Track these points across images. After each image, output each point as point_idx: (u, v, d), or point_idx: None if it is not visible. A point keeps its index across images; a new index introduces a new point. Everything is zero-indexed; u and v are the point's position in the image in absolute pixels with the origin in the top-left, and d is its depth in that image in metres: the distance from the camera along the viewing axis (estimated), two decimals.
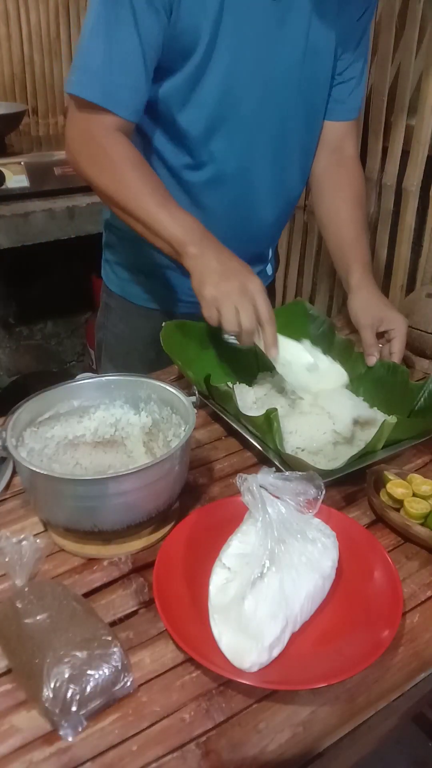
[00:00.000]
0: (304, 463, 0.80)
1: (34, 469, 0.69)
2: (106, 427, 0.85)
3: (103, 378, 0.85)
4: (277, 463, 0.83)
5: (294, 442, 0.88)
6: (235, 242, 0.93)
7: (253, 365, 1.08)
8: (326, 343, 1.08)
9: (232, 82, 0.95)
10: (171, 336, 1.01)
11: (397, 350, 0.99)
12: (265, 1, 0.91)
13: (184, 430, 0.77)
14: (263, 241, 1.18)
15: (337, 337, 1.08)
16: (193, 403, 0.79)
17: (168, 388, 0.82)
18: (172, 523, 0.77)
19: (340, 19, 0.99)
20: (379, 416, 0.94)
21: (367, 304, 1.03)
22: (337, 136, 1.12)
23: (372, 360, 0.99)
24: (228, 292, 0.85)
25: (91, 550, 0.74)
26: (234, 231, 1.03)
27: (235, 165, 1.03)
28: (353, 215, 1.11)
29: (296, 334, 1.09)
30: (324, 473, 0.77)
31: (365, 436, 0.90)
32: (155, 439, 0.83)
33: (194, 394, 0.80)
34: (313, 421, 0.91)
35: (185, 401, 0.79)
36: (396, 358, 0.99)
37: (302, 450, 0.87)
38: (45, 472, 0.69)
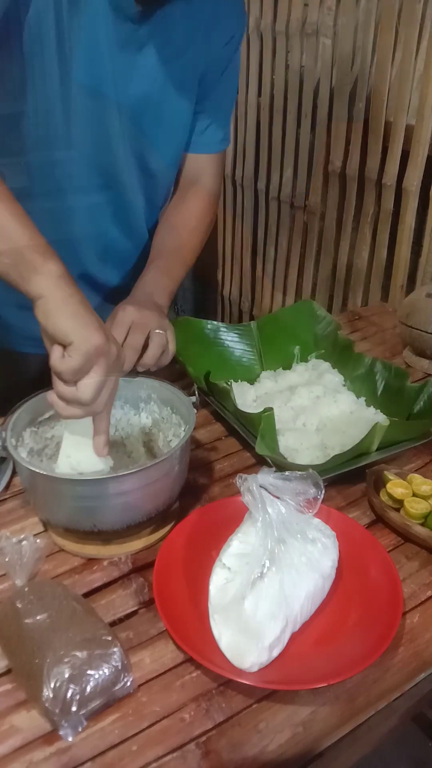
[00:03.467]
0: (295, 465, 0.80)
1: (33, 469, 0.69)
2: None
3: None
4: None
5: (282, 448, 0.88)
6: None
7: (256, 364, 1.09)
8: (330, 342, 1.08)
9: (72, 96, 0.80)
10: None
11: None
12: (125, 23, 0.79)
13: (184, 430, 0.77)
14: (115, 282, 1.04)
15: (339, 337, 1.08)
16: (192, 403, 0.79)
17: (168, 387, 0.82)
18: (172, 523, 0.77)
19: (206, 46, 0.88)
20: (376, 418, 0.94)
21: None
22: (194, 168, 1.01)
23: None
24: (113, 352, 0.67)
25: (91, 550, 0.74)
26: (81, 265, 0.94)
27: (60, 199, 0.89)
28: (163, 239, 0.99)
29: (302, 334, 1.10)
30: (322, 472, 0.77)
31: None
32: (155, 440, 0.83)
33: (194, 394, 0.80)
34: (301, 436, 0.91)
35: (185, 401, 0.79)
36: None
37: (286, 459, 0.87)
38: (45, 473, 0.69)
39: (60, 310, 0.65)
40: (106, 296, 1.03)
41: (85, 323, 0.65)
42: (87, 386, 0.66)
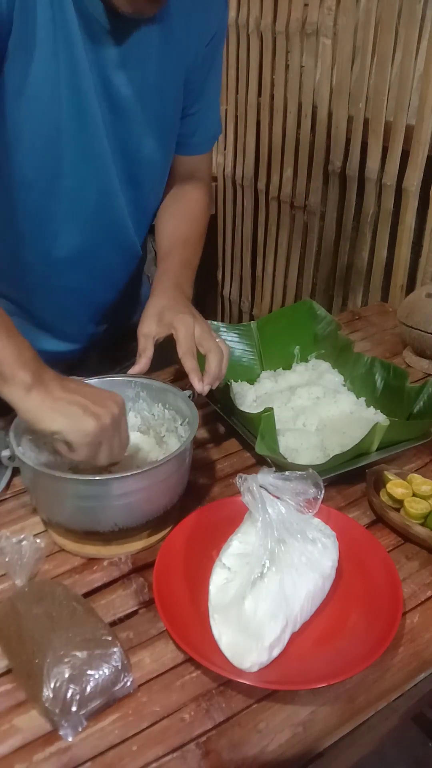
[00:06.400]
0: (296, 465, 0.80)
1: (41, 470, 0.68)
2: None
3: (89, 381, 0.84)
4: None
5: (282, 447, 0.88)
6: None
7: (256, 364, 1.09)
8: (329, 342, 1.08)
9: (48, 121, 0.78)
10: None
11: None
12: (101, 37, 0.76)
13: (181, 424, 0.77)
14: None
15: (339, 337, 1.08)
16: (189, 396, 0.78)
17: (158, 384, 0.82)
18: (172, 524, 0.77)
19: (186, 51, 0.86)
20: (376, 418, 0.94)
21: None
22: (189, 167, 1.02)
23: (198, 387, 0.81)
24: (109, 424, 0.66)
25: (91, 550, 0.74)
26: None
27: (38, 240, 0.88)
28: (175, 228, 1.01)
29: (302, 334, 1.10)
30: (322, 472, 0.77)
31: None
32: (146, 436, 0.83)
33: (189, 388, 0.80)
34: (301, 436, 0.91)
35: (181, 396, 0.79)
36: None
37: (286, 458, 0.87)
38: (51, 473, 0.68)
39: (38, 417, 0.64)
40: (97, 310, 1.03)
41: (71, 415, 0.64)
42: (101, 458, 0.68)
